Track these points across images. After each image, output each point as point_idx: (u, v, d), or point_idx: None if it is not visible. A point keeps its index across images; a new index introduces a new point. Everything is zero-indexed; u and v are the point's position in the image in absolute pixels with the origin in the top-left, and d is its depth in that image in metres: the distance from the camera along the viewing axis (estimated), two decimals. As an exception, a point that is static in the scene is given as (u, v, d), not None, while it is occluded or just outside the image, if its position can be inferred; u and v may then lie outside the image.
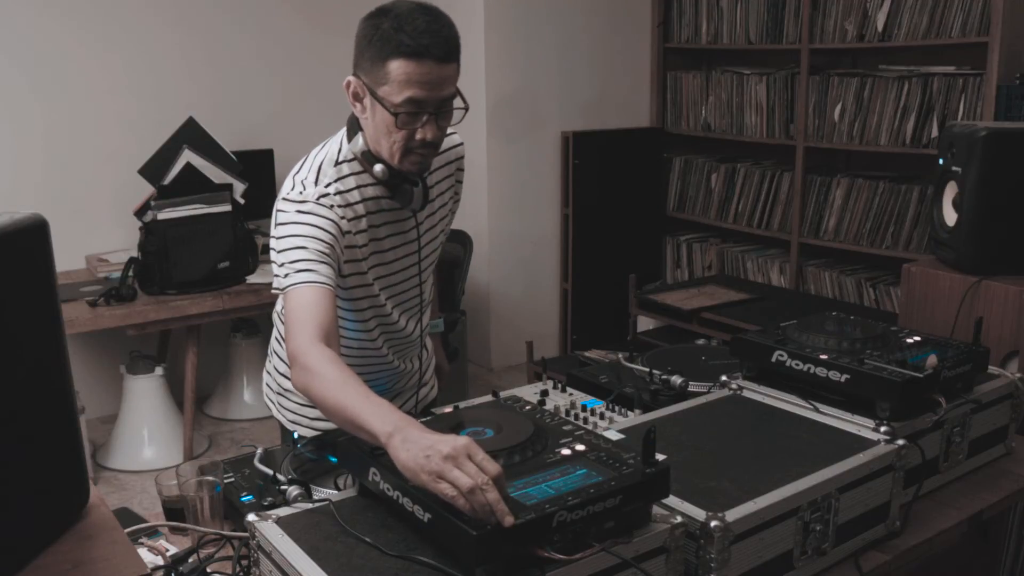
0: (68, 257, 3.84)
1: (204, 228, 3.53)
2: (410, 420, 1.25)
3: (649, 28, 5.04)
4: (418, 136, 1.58)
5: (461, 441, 1.15)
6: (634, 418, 1.67)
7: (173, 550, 1.45)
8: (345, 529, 1.22)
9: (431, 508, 1.13)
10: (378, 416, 1.26)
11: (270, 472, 1.49)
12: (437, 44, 1.51)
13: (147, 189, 3.59)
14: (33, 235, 1.08)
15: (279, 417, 1.93)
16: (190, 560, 1.39)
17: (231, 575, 1.33)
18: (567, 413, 1.67)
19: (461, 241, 4.22)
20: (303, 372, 1.43)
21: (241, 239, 3.64)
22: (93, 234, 4.00)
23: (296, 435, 1.67)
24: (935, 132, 3.83)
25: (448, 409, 1.50)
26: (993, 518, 1.74)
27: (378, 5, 1.57)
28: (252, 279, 3.69)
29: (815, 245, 4.40)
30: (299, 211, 1.59)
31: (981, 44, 3.62)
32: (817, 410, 1.64)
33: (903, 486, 1.52)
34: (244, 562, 1.32)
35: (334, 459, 1.52)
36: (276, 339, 1.90)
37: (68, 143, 3.92)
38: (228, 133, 3.97)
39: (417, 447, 1.16)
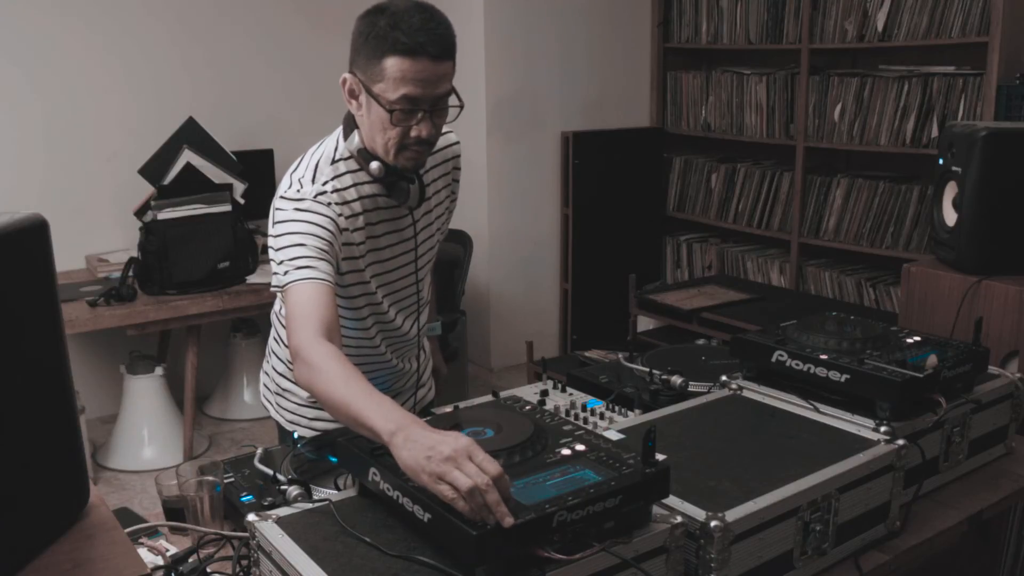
0: (68, 257, 3.85)
1: (204, 228, 3.53)
2: (413, 418, 1.25)
3: (649, 28, 5.04)
4: (413, 133, 1.58)
5: (463, 442, 1.15)
6: (634, 418, 1.67)
7: (173, 550, 1.45)
8: (345, 529, 1.22)
9: (431, 508, 1.13)
10: (381, 413, 1.26)
11: (270, 472, 1.49)
12: (433, 42, 1.51)
13: (147, 189, 3.60)
14: (33, 235, 1.08)
15: (277, 417, 1.92)
16: (190, 560, 1.39)
17: (231, 575, 1.34)
18: (567, 413, 1.67)
19: (461, 241, 4.22)
20: (306, 368, 1.43)
21: (241, 239, 3.64)
22: (93, 234, 4.00)
23: (296, 435, 1.67)
24: (935, 132, 3.83)
25: (448, 409, 1.50)
26: (993, 518, 1.74)
27: (374, 3, 1.57)
28: (252, 279, 3.69)
29: (815, 245, 4.40)
30: (297, 209, 1.59)
31: (981, 44, 3.62)
32: (817, 410, 1.64)
33: (903, 486, 1.52)
34: (244, 562, 1.32)
35: (334, 459, 1.52)
36: (274, 339, 1.89)
37: (68, 143, 3.92)
38: (228, 133, 3.97)
39: (419, 447, 1.16)
